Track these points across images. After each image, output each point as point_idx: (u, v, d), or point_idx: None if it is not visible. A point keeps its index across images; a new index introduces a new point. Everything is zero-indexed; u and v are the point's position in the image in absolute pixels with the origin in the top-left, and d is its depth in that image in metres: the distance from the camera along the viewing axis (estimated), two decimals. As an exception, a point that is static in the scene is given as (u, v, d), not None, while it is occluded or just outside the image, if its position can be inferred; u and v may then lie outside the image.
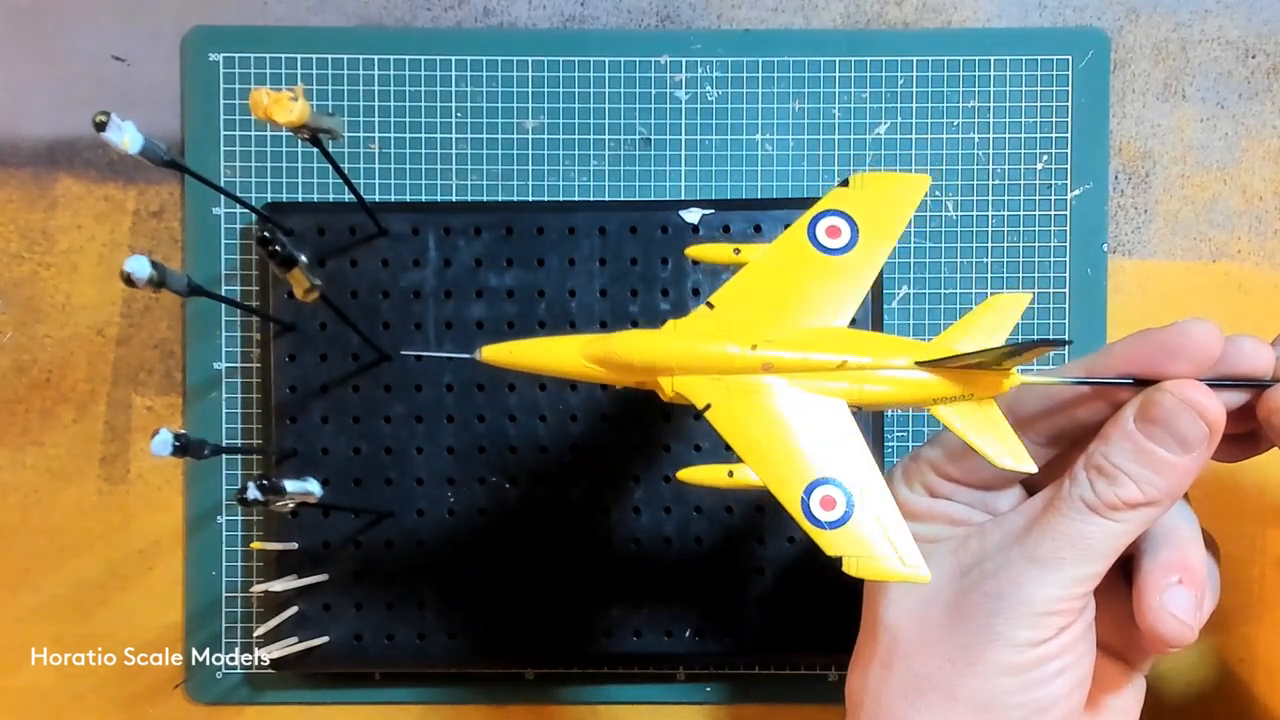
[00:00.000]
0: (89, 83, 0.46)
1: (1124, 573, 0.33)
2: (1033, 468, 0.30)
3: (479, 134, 0.46)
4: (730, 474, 0.30)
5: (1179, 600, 0.31)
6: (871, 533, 0.29)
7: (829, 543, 0.29)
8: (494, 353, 0.32)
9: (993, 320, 0.32)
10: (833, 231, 0.33)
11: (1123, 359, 0.31)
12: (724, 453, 0.44)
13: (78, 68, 0.46)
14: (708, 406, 0.31)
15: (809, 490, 0.30)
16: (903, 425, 0.46)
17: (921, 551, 0.33)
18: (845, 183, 0.33)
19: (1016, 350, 0.30)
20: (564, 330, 0.44)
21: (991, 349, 0.30)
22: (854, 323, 0.32)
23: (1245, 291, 0.46)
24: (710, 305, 0.32)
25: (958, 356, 0.30)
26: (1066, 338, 0.44)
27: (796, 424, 0.31)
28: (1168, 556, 0.32)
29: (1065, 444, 0.33)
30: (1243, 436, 0.33)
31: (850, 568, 0.29)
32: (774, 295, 0.32)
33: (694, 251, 0.34)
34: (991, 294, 0.33)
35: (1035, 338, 0.31)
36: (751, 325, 0.32)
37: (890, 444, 0.45)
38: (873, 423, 0.44)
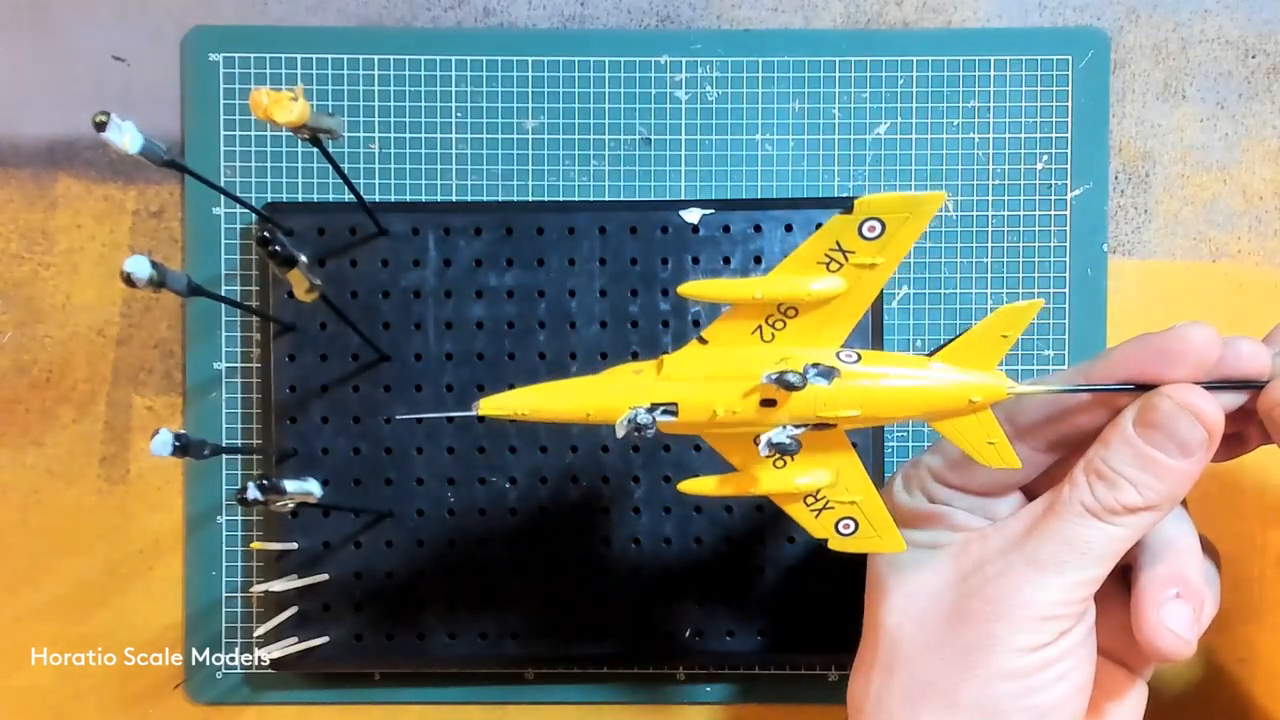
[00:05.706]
0: (89, 83, 0.46)
1: (1125, 579, 0.33)
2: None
3: (479, 134, 0.45)
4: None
5: (1176, 615, 0.31)
6: None
7: None
8: (491, 405, 0.31)
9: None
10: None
11: (1121, 364, 0.31)
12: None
13: (78, 68, 0.46)
14: None
15: None
16: (902, 428, 0.46)
17: (922, 557, 0.34)
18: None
19: None
20: (563, 330, 0.44)
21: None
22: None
23: (1245, 291, 0.46)
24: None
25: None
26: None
27: None
28: (1165, 570, 0.32)
29: (1065, 450, 0.33)
30: (1234, 435, 0.33)
31: None
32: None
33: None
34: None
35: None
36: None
37: (890, 444, 0.45)
38: (873, 429, 0.44)
